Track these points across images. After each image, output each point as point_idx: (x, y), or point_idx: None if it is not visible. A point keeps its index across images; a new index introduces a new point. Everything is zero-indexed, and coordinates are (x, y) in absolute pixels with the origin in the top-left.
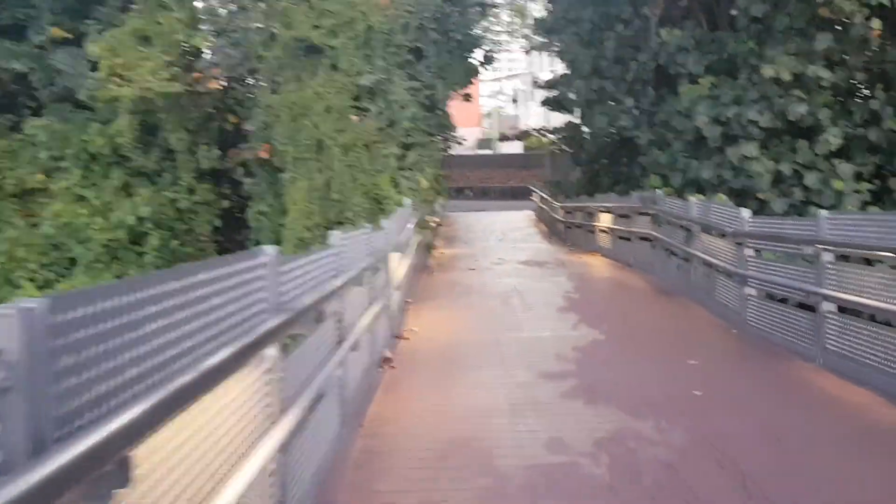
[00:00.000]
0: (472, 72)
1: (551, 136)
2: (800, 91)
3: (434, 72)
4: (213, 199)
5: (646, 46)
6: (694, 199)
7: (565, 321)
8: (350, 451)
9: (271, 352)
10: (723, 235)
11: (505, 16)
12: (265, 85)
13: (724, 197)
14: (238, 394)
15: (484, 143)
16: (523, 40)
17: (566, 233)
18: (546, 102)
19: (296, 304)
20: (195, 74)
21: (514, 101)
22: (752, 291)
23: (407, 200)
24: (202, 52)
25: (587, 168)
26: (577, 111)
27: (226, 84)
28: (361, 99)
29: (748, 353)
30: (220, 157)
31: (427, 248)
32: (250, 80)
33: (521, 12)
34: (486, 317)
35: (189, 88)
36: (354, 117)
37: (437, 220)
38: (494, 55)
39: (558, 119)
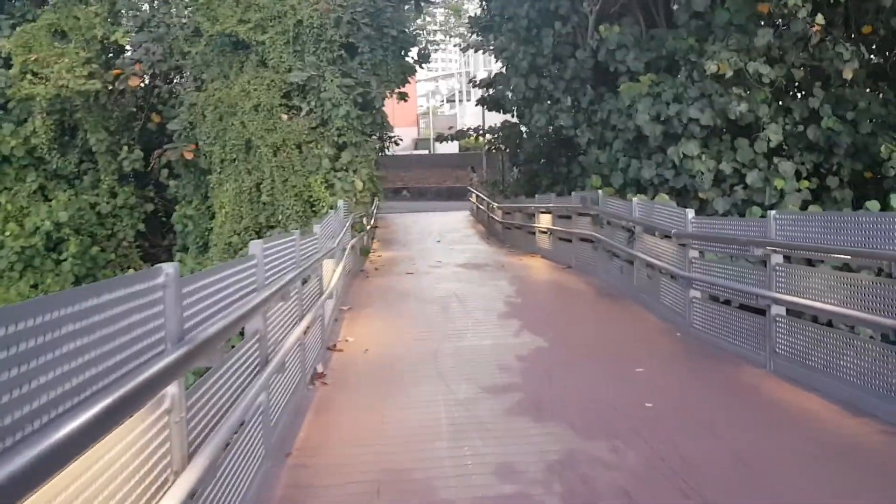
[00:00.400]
0: (409, 70)
1: (488, 136)
2: (739, 88)
3: (368, 69)
4: (136, 202)
5: (584, 43)
6: (636, 200)
7: (507, 328)
8: (275, 487)
9: (172, 389)
10: (666, 236)
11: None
12: (190, 82)
13: (666, 197)
14: (128, 445)
15: (421, 143)
16: (458, 39)
17: (504, 234)
18: (482, 102)
19: (203, 332)
20: (114, 71)
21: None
22: (697, 294)
23: (341, 203)
24: (124, 49)
25: (525, 168)
26: (515, 110)
27: (149, 82)
28: (292, 97)
29: (696, 359)
30: (144, 158)
31: (363, 251)
32: (175, 78)
33: (456, 10)
34: (425, 324)
35: (109, 86)
36: (284, 116)
37: (374, 221)
38: (430, 53)
39: (495, 119)
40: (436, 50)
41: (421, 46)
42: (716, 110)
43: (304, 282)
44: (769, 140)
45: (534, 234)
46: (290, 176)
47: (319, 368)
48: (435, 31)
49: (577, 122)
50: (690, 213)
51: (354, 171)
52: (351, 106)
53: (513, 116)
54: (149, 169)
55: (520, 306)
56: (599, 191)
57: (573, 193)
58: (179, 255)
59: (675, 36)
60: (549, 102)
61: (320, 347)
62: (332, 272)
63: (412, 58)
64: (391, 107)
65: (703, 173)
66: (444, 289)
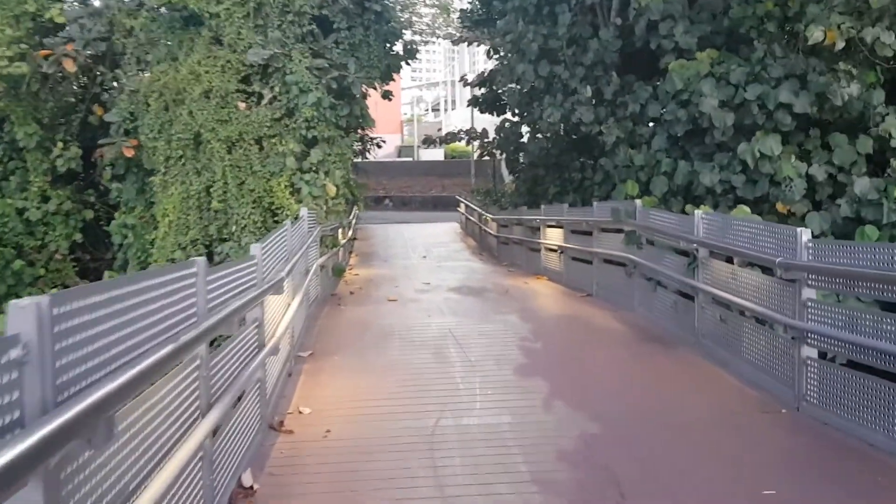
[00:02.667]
0: (394, 64)
1: (483, 139)
2: (847, 64)
3: (345, 49)
4: (72, 208)
5: (608, 20)
6: (700, 213)
7: (531, 393)
8: None
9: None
10: (751, 265)
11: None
12: (132, 65)
13: (746, 209)
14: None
15: (405, 150)
16: (445, 38)
17: (500, 249)
18: (474, 103)
19: None
20: (41, 52)
21: (435, 110)
22: (814, 354)
23: (304, 211)
24: (63, 28)
25: (528, 175)
26: (516, 109)
27: (90, 67)
28: (251, 81)
29: (846, 471)
30: (84, 156)
31: (336, 270)
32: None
33: (444, 9)
34: (414, 386)
35: (42, 71)
36: (242, 104)
37: (353, 233)
38: (417, 49)
39: (486, 123)
40: (425, 43)
41: (407, 40)
42: (813, 94)
43: (211, 345)
44: (890, 136)
45: (538, 251)
46: (247, 178)
47: (247, 481)
48: (422, 31)
49: (599, 117)
50: (805, 234)
51: (326, 173)
52: (323, 93)
53: (514, 115)
54: (91, 170)
55: (541, 355)
56: (637, 201)
57: (595, 204)
58: (108, 274)
59: (740, 2)
60: (562, 94)
61: (258, 432)
62: (282, 311)
63: (397, 52)
64: (373, 110)
65: (790, 179)
66: (437, 325)
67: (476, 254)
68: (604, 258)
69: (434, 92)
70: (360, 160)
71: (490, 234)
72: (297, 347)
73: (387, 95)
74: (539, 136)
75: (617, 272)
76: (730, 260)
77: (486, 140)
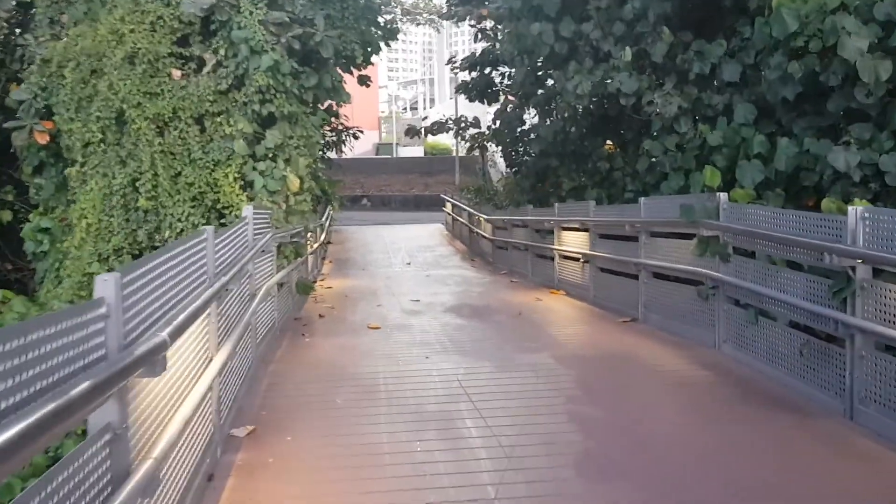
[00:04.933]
0: (374, 44)
1: (472, 131)
2: None
3: (312, 1)
4: None
5: None
6: (858, 210)
7: None
8: None
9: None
10: None
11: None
12: (44, 28)
13: None
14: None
15: (383, 148)
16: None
17: (496, 255)
18: (463, 89)
19: None
20: None
21: (413, 108)
22: None
23: (248, 210)
24: None
25: (531, 168)
26: (519, 90)
27: (4, 37)
28: (190, 42)
29: None
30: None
31: (302, 287)
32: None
33: None
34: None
35: None
36: (176, 72)
37: (326, 236)
38: (398, 29)
39: (475, 114)
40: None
41: (388, 19)
42: None
43: None
44: None
45: (549, 258)
46: (183, 168)
47: None
48: (402, 18)
49: (644, 86)
50: None
51: (287, 161)
52: (282, 55)
53: (516, 97)
54: (8, 163)
55: (610, 432)
56: (721, 195)
57: (642, 200)
58: (2, 294)
59: None
60: (592, 60)
61: None
62: (175, 406)
63: (377, 32)
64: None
65: None
66: (440, 374)
67: (467, 259)
68: (655, 272)
69: (412, 90)
70: (334, 156)
71: (483, 236)
72: (229, 420)
73: (364, 81)
74: (551, 119)
75: (680, 292)
76: None
77: (478, 131)
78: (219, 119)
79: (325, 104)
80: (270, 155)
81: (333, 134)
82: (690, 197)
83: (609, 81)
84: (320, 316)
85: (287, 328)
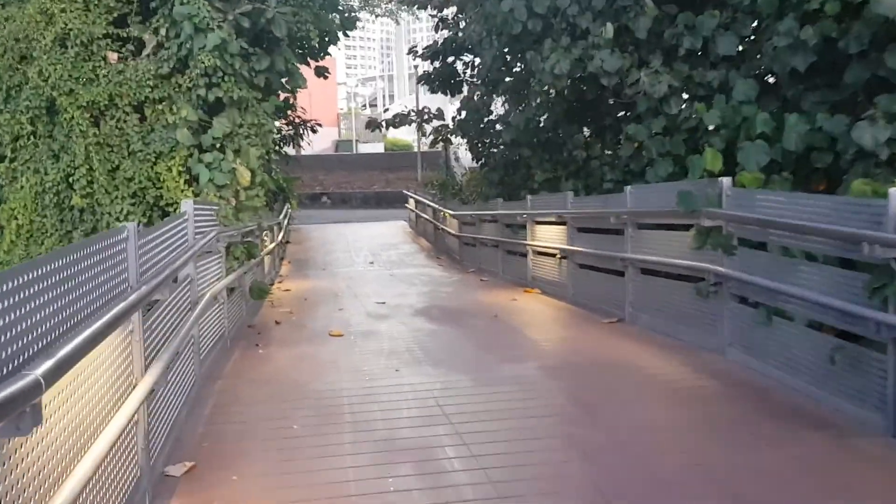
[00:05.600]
0: (332, 34)
1: (436, 123)
2: None
3: None
4: None
5: None
6: None
7: None
8: None
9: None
10: None
11: None
12: None
13: None
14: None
15: (342, 144)
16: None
17: (463, 252)
18: (426, 79)
19: None
20: None
21: (372, 105)
22: None
23: (187, 206)
24: None
25: (498, 161)
26: (486, 75)
27: None
28: (128, 22)
29: None
30: None
31: (257, 291)
32: None
33: None
34: None
35: None
36: (113, 55)
37: (283, 236)
38: (356, 19)
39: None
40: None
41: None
42: None
43: None
44: None
45: (522, 255)
46: (121, 161)
47: None
48: (359, 9)
49: (626, 66)
50: None
51: (236, 152)
52: (230, 33)
53: (482, 84)
54: None
55: (620, 463)
56: (723, 180)
57: (628, 189)
58: None
59: None
60: (569, 37)
61: None
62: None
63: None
64: (307, 101)
65: None
66: (413, 391)
67: (433, 258)
68: (644, 268)
69: (371, 87)
70: (292, 151)
71: (450, 233)
72: (163, 456)
73: (321, 73)
74: (522, 106)
75: (674, 289)
76: None
77: (441, 123)
78: (160, 106)
79: (282, 97)
80: (218, 145)
81: (291, 128)
82: (687, 183)
83: (589, 61)
84: (277, 322)
85: (239, 337)
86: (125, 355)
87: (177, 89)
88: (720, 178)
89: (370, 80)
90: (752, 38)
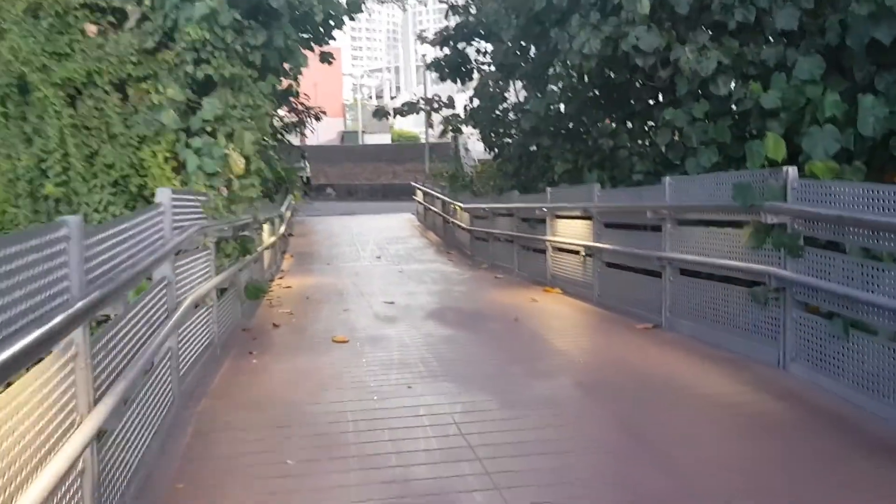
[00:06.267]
0: (336, 17)
1: (446, 112)
2: None
3: None
4: None
5: None
6: None
7: None
8: None
9: None
10: None
11: None
12: None
13: None
14: None
15: (348, 136)
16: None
17: (474, 247)
18: (436, 66)
19: None
20: None
21: (379, 97)
22: None
23: (164, 195)
24: None
25: (514, 151)
26: (501, 59)
27: None
28: None
29: None
30: None
31: (252, 291)
32: None
33: None
34: None
35: None
36: (91, 27)
37: (285, 229)
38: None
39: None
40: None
41: None
42: None
43: None
44: None
45: (540, 251)
46: (101, 145)
47: None
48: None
49: (666, 42)
50: None
51: (229, 136)
52: (220, 2)
53: (497, 70)
54: None
55: None
56: (788, 168)
57: (667, 180)
58: None
59: None
60: (599, 13)
61: None
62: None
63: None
64: (312, 90)
65: None
66: (430, 413)
67: (442, 252)
68: (684, 268)
69: (377, 78)
70: (297, 142)
71: (460, 227)
72: (133, 489)
73: (326, 58)
74: (542, 92)
75: (721, 293)
76: None
77: (452, 112)
78: (144, 85)
79: (285, 84)
80: (209, 129)
81: (294, 115)
82: (743, 174)
83: (622, 39)
84: (275, 325)
85: (232, 344)
86: (65, 386)
87: (162, 66)
88: (784, 168)
89: (376, 71)
90: (814, 9)
